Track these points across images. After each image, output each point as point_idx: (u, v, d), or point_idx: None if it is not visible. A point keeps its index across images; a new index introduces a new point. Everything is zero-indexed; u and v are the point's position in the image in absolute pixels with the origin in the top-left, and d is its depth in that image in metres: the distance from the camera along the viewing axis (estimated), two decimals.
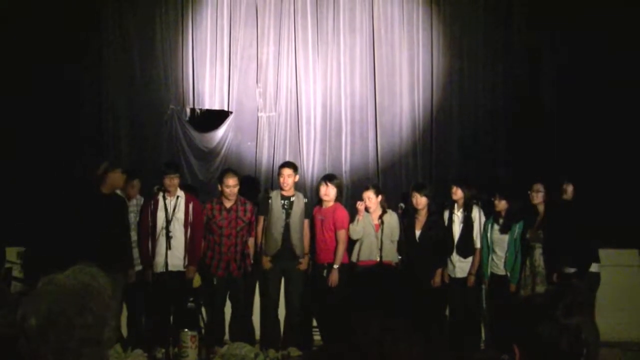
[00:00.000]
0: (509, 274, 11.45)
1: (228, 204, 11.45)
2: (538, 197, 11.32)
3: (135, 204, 11.48)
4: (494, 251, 11.58)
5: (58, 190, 11.54)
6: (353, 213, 11.58)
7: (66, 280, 2.72)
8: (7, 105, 13.00)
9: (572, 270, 10.66)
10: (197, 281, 11.64)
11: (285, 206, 11.49)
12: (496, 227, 11.56)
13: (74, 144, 13.11)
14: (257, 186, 13.18)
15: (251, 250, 11.66)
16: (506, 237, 11.48)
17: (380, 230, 11.44)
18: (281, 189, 11.57)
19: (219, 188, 11.51)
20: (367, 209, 11.56)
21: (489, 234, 11.60)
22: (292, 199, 11.52)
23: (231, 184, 11.34)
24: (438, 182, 12.93)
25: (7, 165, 12.63)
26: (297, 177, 11.74)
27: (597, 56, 13.18)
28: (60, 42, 13.28)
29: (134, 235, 11.38)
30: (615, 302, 11.82)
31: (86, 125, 13.60)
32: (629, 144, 13.05)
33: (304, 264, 11.55)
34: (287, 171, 11.56)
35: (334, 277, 11.34)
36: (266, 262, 11.50)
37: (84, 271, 2.76)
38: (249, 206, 11.61)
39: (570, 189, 11.01)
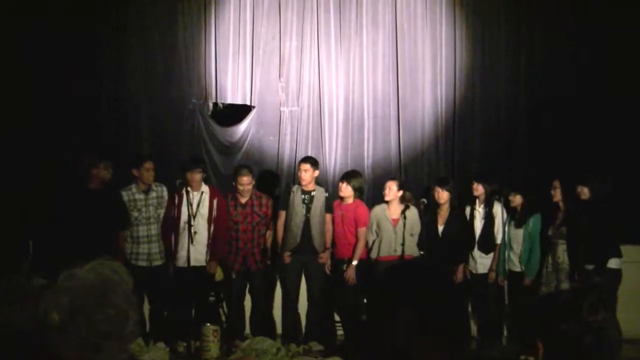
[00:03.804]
0: (523, 268, 11.50)
1: (243, 200, 11.55)
2: (557, 193, 11.34)
3: (154, 196, 11.47)
4: (510, 247, 11.63)
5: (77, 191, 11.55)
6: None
7: (87, 275, 2.71)
8: (24, 101, 13.02)
9: (591, 266, 10.65)
10: (219, 275, 11.68)
11: (306, 201, 11.55)
12: (513, 222, 11.62)
13: (95, 139, 13.10)
14: (278, 181, 13.22)
15: (268, 244, 11.71)
16: (521, 232, 11.53)
17: (401, 225, 11.46)
18: (300, 183, 11.61)
19: (233, 183, 11.57)
20: (385, 200, 11.63)
21: (506, 230, 11.65)
22: (312, 193, 11.57)
23: (245, 182, 11.47)
24: (460, 177, 12.89)
25: (28, 162, 12.64)
26: (317, 172, 11.77)
27: (620, 52, 13.14)
28: (82, 38, 13.32)
29: (156, 229, 11.43)
30: (634, 298, 11.76)
31: (107, 120, 13.61)
32: None
33: (324, 258, 11.57)
34: (304, 166, 11.66)
35: (351, 274, 11.38)
36: (286, 257, 11.53)
37: (105, 265, 2.76)
38: (264, 200, 11.71)
39: (585, 190, 10.93)
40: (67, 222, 10.54)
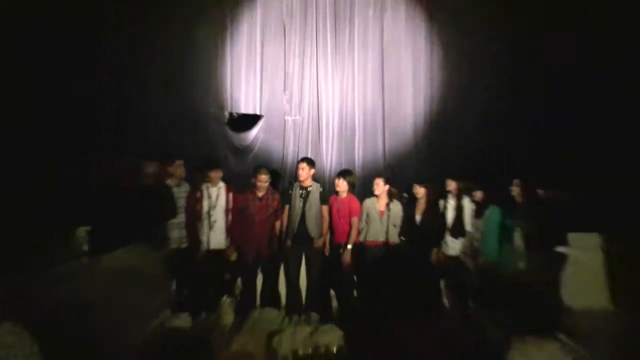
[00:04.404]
0: (481, 250, 11.61)
1: (260, 194, 11.59)
2: (515, 190, 11.47)
3: (184, 190, 11.58)
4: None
5: (110, 182, 11.56)
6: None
7: (123, 257, 2.73)
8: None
9: (545, 251, 10.73)
10: (233, 256, 11.73)
11: (303, 195, 11.64)
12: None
13: (121, 140, 13.08)
14: (283, 178, 13.23)
15: (276, 232, 11.77)
16: (480, 222, 11.67)
17: (386, 216, 11.54)
18: (299, 180, 11.68)
19: (252, 181, 11.62)
20: (374, 194, 11.75)
21: (473, 221, 11.81)
22: (309, 189, 11.68)
23: (263, 180, 11.55)
24: (435, 175, 12.89)
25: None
26: (313, 170, 11.84)
27: (590, 72, 13.20)
28: (113, 60, 13.34)
29: (182, 217, 11.50)
30: (580, 277, 11.83)
31: (138, 128, 13.60)
32: (597, 142, 13.01)
33: (319, 243, 11.65)
34: (302, 165, 11.77)
35: (347, 257, 11.46)
36: (288, 243, 11.61)
37: (134, 251, 2.78)
38: (277, 196, 11.80)
39: (542, 192, 11.07)
40: (122, 211, 10.69)
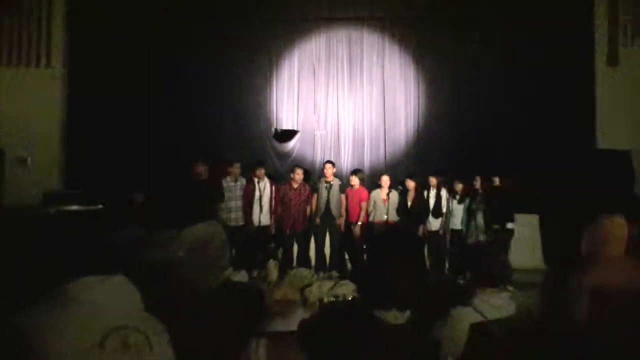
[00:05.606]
0: (464, 229, 11.55)
1: (295, 186, 11.62)
2: (477, 183, 11.44)
3: (240, 184, 11.64)
4: (453, 215, 11.66)
5: (187, 181, 11.59)
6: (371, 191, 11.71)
7: (199, 229, 2.74)
8: (164, 122, 12.95)
9: (497, 226, 10.69)
10: (273, 230, 11.79)
11: (327, 188, 11.67)
12: (454, 201, 11.67)
13: (200, 150, 13.05)
14: (313, 175, 13.25)
15: (307, 214, 11.80)
16: (462, 206, 11.57)
17: (387, 202, 11.54)
18: (325, 177, 11.72)
19: (291, 175, 11.69)
20: (380, 186, 11.76)
21: (450, 205, 11.74)
22: (332, 183, 11.68)
23: (299, 174, 11.64)
24: (422, 174, 12.85)
25: (161, 169, 12.60)
26: (335, 169, 11.91)
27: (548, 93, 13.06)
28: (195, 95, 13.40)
29: (240, 204, 11.56)
30: (523, 245, 11.78)
31: (212, 139, 13.65)
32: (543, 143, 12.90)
33: (339, 221, 11.67)
34: (327, 165, 11.87)
35: (357, 230, 11.50)
36: (316, 221, 11.62)
37: (211, 224, 2.79)
38: (307, 187, 11.81)
39: (497, 179, 11.03)
40: (187, 198, 10.74)
